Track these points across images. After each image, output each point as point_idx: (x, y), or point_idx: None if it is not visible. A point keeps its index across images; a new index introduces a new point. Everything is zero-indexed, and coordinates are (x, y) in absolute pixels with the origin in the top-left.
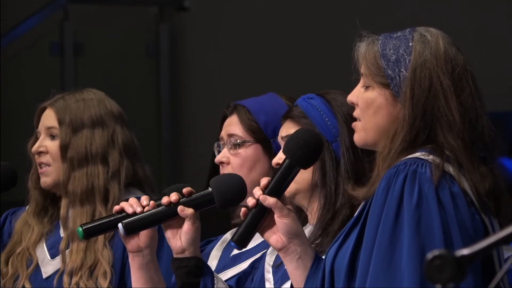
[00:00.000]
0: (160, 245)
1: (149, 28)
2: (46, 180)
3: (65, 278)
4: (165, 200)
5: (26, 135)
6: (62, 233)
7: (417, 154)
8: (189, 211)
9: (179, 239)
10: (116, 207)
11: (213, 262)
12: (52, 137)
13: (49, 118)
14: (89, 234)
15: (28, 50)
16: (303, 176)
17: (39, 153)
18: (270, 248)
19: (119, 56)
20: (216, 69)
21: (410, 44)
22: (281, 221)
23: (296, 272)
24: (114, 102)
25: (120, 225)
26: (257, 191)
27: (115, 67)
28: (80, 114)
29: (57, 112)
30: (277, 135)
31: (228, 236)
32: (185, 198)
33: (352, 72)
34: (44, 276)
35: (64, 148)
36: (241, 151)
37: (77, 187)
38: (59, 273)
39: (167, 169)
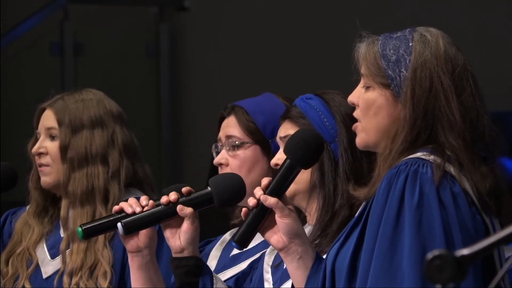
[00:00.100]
0: (160, 246)
1: (149, 28)
2: (46, 180)
3: (65, 278)
4: (164, 199)
5: (26, 135)
6: (62, 233)
7: (418, 154)
8: (188, 210)
9: (178, 238)
10: (116, 207)
11: (212, 262)
12: (52, 137)
13: (48, 119)
14: (89, 234)
15: (28, 50)
16: (302, 177)
17: (39, 154)
18: (269, 248)
19: (119, 56)
20: (216, 69)
21: (410, 44)
22: (282, 221)
23: (297, 272)
24: (113, 102)
25: (119, 224)
26: (258, 191)
27: (115, 67)
28: (80, 114)
29: (56, 113)
30: (276, 135)
31: (227, 236)
32: (184, 198)
33: (353, 72)
34: (44, 276)
35: (64, 149)
36: (240, 152)
37: (77, 188)
38: (59, 273)
39: (167, 169)
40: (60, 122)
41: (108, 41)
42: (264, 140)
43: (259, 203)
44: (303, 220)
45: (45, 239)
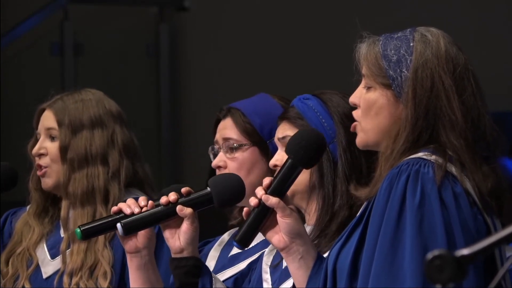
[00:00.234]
0: (160, 246)
1: (149, 28)
2: (47, 182)
3: (65, 279)
4: (163, 200)
5: (26, 135)
6: (62, 233)
7: (420, 154)
8: (188, 210)
9: (177, 239)
10: (114, 208)
11: (211, 262)
12: (52, 138)
13: (48, 120)
14: (87, 235)
15: (28, 50)
16: (301, 178)
17: (40, 155)
18: (268, 249)
19: (119, 56)
20: (216, 69)
21: (411, 44)
22: (284, 221)
23: (298, 272)
24: (113, 102)
25: (119, 225)
26: (260, 191)
27: (115, 67)
28: (79, 115)
29: (56, 114)
30: (273, 136)
31: (225, 236)
32: (183, 198)
33: (353, 72)
34: (44, 276)
35: (63, 150)
36: (238, 154)
37: (77, 189)
38: (59, 274)
39: (167, 169)
40: (60, 123)
41: (108, 41)
42: (261, 141)
43: (260, 203)
44: (302, 220)
45: (45, 239)
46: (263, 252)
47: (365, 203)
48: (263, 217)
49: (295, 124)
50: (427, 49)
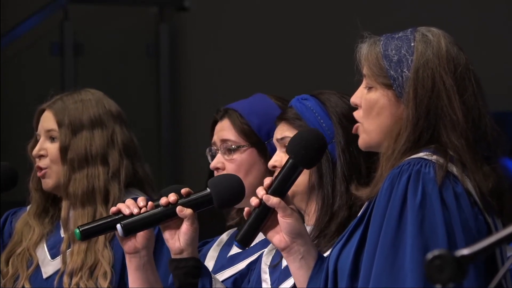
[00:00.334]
0: (160, 247)
1: (149, 28)
2: (47, 182)
3: (65, 279)
4: (163, 200)
5: (26, 136)
6: (62, 233)
7: (421, 154)
8: (188, 211)
9: (177, 239)
10: (113, 209)
11: (210, 263)
12: (52, 139)
13: (48, 121)
14: (86, 235)
15: (28, 50)
16: (300, 179)
17: (40, 156)
18: (267, 249)
19: (119, 56)
20: (216, 69)
21: (412, 44)
22: (284, 221)
23: (299, 272)
24: (112, 102)
25: (119, 226)
26: (261, 191)
27: (115, 67)
28: (79, 115)
29: (55, 114)
30: (271, 137)
31: (224, 237)
32: (183, 199)
33: (353, 72)
34: (45, 276)
35: (64, 150)
36: (236, 156)
37: (77, 189)
38: (59, 274)
39: (167, 169)
40: (59, 124)
41: (108, 41)
42: (260, 142)
43: (261, 203)
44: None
45: (46, 240)
46: (262, 252)
47: (366, 203)
48: (264, 217)
49: (294, 124)
50: (428, 49)
